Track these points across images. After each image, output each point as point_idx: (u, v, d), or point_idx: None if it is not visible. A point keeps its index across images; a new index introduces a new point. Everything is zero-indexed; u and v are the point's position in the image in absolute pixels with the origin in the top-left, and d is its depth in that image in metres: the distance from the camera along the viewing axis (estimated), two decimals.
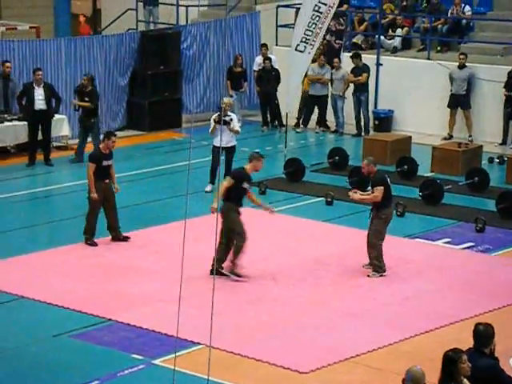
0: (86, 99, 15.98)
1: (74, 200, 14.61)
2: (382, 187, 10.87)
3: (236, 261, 10.86)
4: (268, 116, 18.98)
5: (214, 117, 14.21)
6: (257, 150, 11.49)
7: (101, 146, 12.09)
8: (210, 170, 14.42)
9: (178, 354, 8.68)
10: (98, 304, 10.20)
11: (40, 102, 15.83)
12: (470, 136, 17.69)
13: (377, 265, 11.02)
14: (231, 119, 13.94)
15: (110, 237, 12.10)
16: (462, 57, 17.61)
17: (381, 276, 10.99)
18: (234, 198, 10.86)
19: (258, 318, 9.95)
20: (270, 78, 18.70)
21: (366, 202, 11.33)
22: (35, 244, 12.19)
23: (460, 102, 17.68)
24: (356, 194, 11.26)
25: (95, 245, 11.95)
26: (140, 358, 9.01)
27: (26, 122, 16.24)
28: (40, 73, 15.97)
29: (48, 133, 16.14)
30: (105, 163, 11.94)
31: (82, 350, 9.19)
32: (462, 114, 17.82)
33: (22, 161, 16.15)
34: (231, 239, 10.87)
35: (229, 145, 14.09)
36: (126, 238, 12.10)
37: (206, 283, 10.34)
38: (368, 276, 10.98)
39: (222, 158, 14.28)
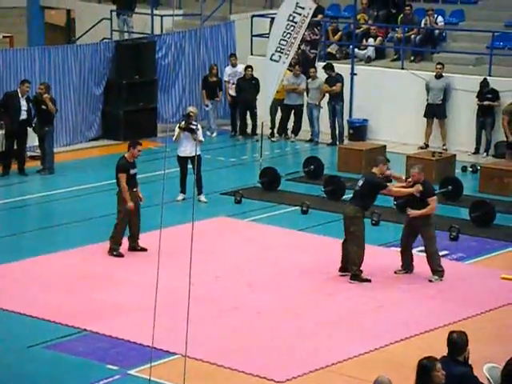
0: (44, 107, 15.91)
1: (49, 210, 14.56)
2: (435, 197, 11.31)
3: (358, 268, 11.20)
4: (241, 125, 18.99)
5: (179, 124, 14.24)
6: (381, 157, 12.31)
7: (126, 155, 12.05)
8: (180, 180, 14.45)
9: (153, 363, 8.66)
10: (73, 314, 10.15)
11: (24, 113, 15.85)
12: (444, 145, 17.84)
13: (440, 270, 11.29)
14: (197, 128, 13.98)
15: (128, 245, 12.05)
16: (438, 67, 17.76)
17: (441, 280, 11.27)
18: (365, 205, 11.26)
19: (233, 327, 9.96)
20: (250, 86, 18.73)
21: (425, 215, 11.29)
22: (9, 254, 12.09)
23: (436, 111, 17.82)
24: (415, 211, 11.31)
25: (122, 256, 11.88)
26: (115, 368, 8.98)
27: (0, 132, 16.17)
28: (28, 85, 15.97)
29: (24, 143, 16.09)
30: (132, 172, 11.98)
31: (57, 361, 9.13)
32: (435, 123, 17.98)
33: None
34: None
35: (193, 154, 14.08)
36: (143, 249, 12.02)
37: (181, 293, 10.32)
38: (431, 281, 11.24)
39: (190, 166, 14.30)
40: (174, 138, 14.32)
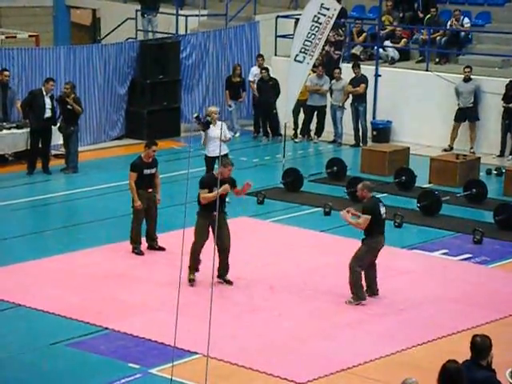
0: (69, 107, 15.98)
1: (72, 208, 14.65)
2: (368, 216, 10.40)
3: None
4: (263, 126, 18.99)
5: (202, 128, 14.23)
6: None
7: (142, 155, 12.10)
8: None
9: (174, 363, 8.65)
10: (95, 313, 10.19)
11: (48, 111, 15.94)
12: (471, 148, 17.71)
13: (353, 291, 10.51)
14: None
15: (147, 245, 12.12)
16: (467, 70, 17.63)
17: (357, 304, 10.46)
18: None
19: (255, 328, 9.95)
20: (267, 87, 18.74)
21: (352, 225, 10.70)
22: (33, 252, 12.18)
23: (468, 114, 17.69)
24: (347, 215, 10.67)
25: (142, 254, 11.96)
26: (137, 366, 9.00)
27: (24, 130, 16.29)
28: (53, 83, 16.05)
29: (49, 141, 16.19)
30: (146, 172, 11.96)
31: (79, 359, 9.17)
32: (465, 126, 17.84)
33: (21, 169, 16.17)
34: None
35: (218, 154, 14.09)
36: (161, 248, 12.08)
37: (204, 292, 10.34)
38: (345, 302, 10.52)
39: (216, 166, 14.33)
40: (202, 142, 14.28)
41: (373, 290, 10.76)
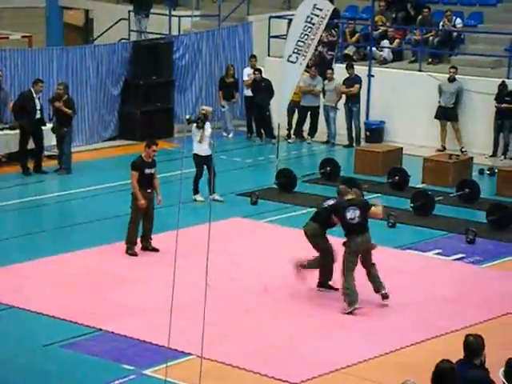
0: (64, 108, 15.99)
1: (66, 209, 14.63)
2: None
3: None
4: (256, 127, 19.01)
5: (197, 124, 14.30)
6: None
7: (143, 155, 12.13)
8: (199, 180, 14.43)
9: (168, 364, 8.66)
10: (89, 314, 10.19)
11: (38, 112, 15.95)
12: (462, 148, 17.75)
13: (346, 299, 10.42)
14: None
15: (141, 245, 12.14)
16: (452, 70, 17.71)
17: (350, 313, 10.30)
18: None
19: (249, 329, 9.96)
20: (260, 88, 18.75)
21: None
22: (26, 253, 12.16)
23: (447, 114, 17.77)
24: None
25: (135, 255, 11.96)
26: (131, 368, 9.00)
27: (16, 132, 16.26)
28: (42, 84, 16.07)
29: (41, 142, 16.17)
30: (147, 171, 12.00)
31: (73, 360, 9.17)
32: (450, 125, 17.93)
33: (14, 170, 16.15)
34: None
35: (209, 153, 14.19)
36: (155, 249, 12.09)
37: (198, 293, 10.32)
38: (341, 313, 10.36)
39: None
40: (198, 139, 14.32)
41: (377, 288, 10.64)
